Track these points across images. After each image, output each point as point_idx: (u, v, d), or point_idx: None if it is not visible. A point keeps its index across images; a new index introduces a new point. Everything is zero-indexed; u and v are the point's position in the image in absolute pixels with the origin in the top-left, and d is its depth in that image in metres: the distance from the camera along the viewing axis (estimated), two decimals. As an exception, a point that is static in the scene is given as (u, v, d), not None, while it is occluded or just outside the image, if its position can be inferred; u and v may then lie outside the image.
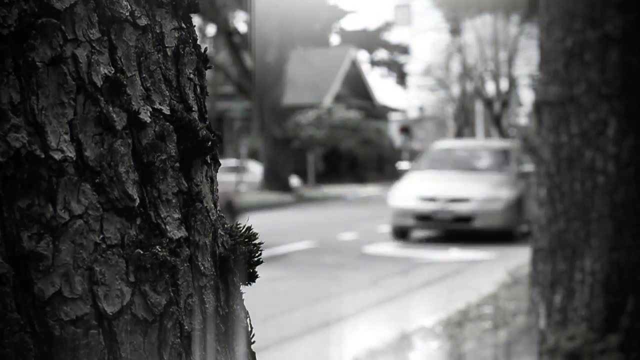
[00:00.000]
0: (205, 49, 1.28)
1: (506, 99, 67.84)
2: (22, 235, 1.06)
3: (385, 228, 18.37)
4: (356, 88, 52.01)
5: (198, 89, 1.25)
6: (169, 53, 1.21)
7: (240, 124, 43.59)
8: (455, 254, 14.08)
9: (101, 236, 1.10)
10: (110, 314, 1.10)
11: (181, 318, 1.17)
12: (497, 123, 67.42)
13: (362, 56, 56.84)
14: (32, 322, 1.06)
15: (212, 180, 1.27)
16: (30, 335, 1.06)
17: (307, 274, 11.80)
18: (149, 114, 1.16)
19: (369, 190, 36.11)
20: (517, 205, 16.79)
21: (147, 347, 1.13)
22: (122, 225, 1.12)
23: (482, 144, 20.28)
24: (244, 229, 1.31)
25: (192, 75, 1.24)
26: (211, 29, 36.78)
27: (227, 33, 34.22)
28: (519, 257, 12.03)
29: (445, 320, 7.52)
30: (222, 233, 1.27)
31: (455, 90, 64.45)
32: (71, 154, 1.09)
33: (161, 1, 1.21)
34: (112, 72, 1.13)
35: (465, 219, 16.31)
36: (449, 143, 20.62)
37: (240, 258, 1.28)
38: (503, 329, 6.66)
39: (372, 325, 8.26)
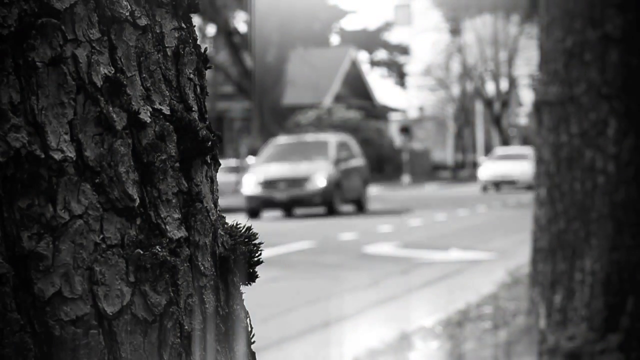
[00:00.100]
0: (205, 49, 1.29)
1: (506, 99, 67.86)
2: (22, 235, 1.06)
3: (387, 228, 18.39)
4: (356, 88, 52.03)
5: (198, 89, 1.25)
6: (169, 53, 1.21)
7: (240, 124, 43.60)
8: (455, 254, 14.08)
9: (101, 236, 1.10)
10: (110, 314, 1.10)
11: (181, 318, 1.17)
12: (497, 123, 67.49)
13: (362, 56, 56.87)
14: (32, 322, 1.06)
15: (212, 180, 1.27)
16: (30, 335, 1.06)
17: (307, 274, 11.80)
18: (149, 114, 1.16)
19: (369, 190, 36.08)
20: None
21: (147, 347, 1.13)
22: (122, 225, 1.12)
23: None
24: (244, 229, 1.31)
25: (192, 75, 1.24)
26: (211, 29, 36.80)
27: (227, 33, 34.24)
28: (519, 257, 12.03)
29: (445, 320, 7.51)
30: (222, 233, 1.27)
31: (455, 90, 64.49)
32: (71, 154, 1.09)
33: (161, 1, 1.21)
34: (112, 72, 1.13)
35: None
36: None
37: (240, 258, 1.28)
38: (503, 329, 6.66)
39: (372, 325, 8.26)
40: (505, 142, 68.00)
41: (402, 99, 75.59)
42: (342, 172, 22.87)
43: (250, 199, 22.73)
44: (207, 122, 1.26)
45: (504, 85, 66.99)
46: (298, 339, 7.74)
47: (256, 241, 1.31)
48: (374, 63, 59.12)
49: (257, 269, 1.31)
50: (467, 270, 12.20)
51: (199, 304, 1.19)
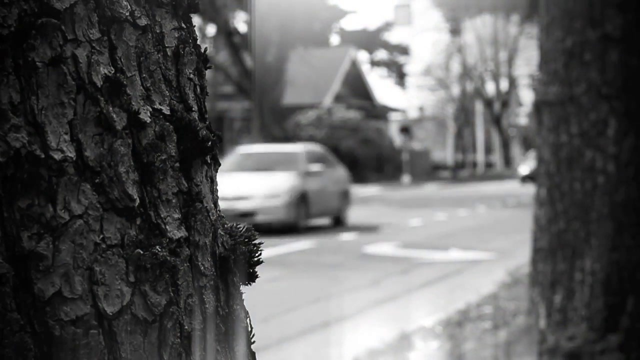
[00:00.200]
0: (205, 49, 1.28)
1: (506, 99, 67.89)
2: (22, 235, 1.06)
3: (386, 227, 18.38)
4: (356, 88, 52.02)
5: (198, 89, 1.26)
6: (169, 53, 1.21)
7: (240, 124, 43.61)
8: (455, 254, 14.08)
9: (101, 236, 1.10)
10: (110, 314, 1.10)
11: (181, 318, 1.17)
12: (497, 123, 67.50)
13: (362, 56, 56.85)
14: (32, 322, 1.06)
15: (212, 180, 1.27)
16: (30, 335, 1.06)
17: (307, 274, 11.80)
18: (149, 114, 1.16)
19: (369, 190, 36.11)
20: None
21: (147, 347, 1.13)
22: (122, 225, 1.12)
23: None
24: (244, 229, 1.31)
25: (192, 75, 1.24)
26: (211, 29, 36.81)
27: (227, 33, 34.25)
28: (519, 257, 12.03)
29: (445, 320, 7.52)
30: (222, 233, 1.27)
31: (455, 90, 64.48)
32: (71, 154, 1.09)
33: (161, 1, 1.21)
34: (112, 72, 1.13)
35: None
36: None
37: (240, 258, 1.28)
38: (503, 329, 6.66)
39: (372, 325, 8.26)
40: (505, 142, 68.04)
41: (402, 99, 75.60)
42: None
43: None
44: (207, 122, 1.26)
45: (504, 85, 67.02)
46: (298, 339, 7.74)
47: (256, 241, 1.31)
48: (374, 63, 59.10)
49: (257, 268, 1.31)
50: (467, 270, 12.20)
51: (199, 304, 1.19)
